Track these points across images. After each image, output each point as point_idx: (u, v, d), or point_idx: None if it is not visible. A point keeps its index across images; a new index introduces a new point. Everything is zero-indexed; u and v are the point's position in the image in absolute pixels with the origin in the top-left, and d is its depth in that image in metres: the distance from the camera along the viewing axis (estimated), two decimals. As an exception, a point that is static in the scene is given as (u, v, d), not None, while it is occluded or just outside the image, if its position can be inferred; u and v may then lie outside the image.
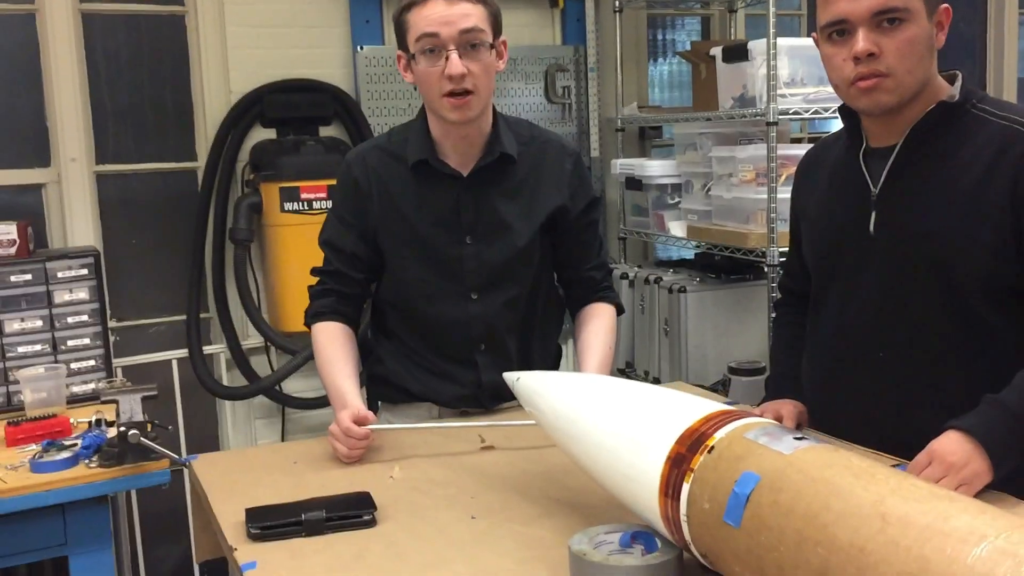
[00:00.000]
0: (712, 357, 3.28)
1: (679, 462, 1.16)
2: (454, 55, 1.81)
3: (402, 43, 1.89)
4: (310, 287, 2.08)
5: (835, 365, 1.76)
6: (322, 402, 3.42)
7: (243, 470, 1.77)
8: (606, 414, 1.32)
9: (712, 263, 3.38)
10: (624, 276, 3.52)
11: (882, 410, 1.68)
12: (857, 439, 1.70)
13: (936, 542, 0.86)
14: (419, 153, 1.94)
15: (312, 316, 2.04)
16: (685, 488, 1.13)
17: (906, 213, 1.63)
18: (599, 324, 2.06)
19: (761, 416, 1.78)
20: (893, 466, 1.55)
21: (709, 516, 1.09)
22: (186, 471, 1.91)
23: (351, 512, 1.49)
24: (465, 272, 1.97)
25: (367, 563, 1.36)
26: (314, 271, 2.07)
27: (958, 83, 1.63)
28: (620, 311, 2.13)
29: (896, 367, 1.65)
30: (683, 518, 1.13)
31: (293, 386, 3.41)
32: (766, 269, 2.94)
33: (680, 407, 1.25)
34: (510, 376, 1.64)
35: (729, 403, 2.04)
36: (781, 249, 2.89)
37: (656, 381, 3.45)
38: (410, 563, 1.36)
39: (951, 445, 1.45)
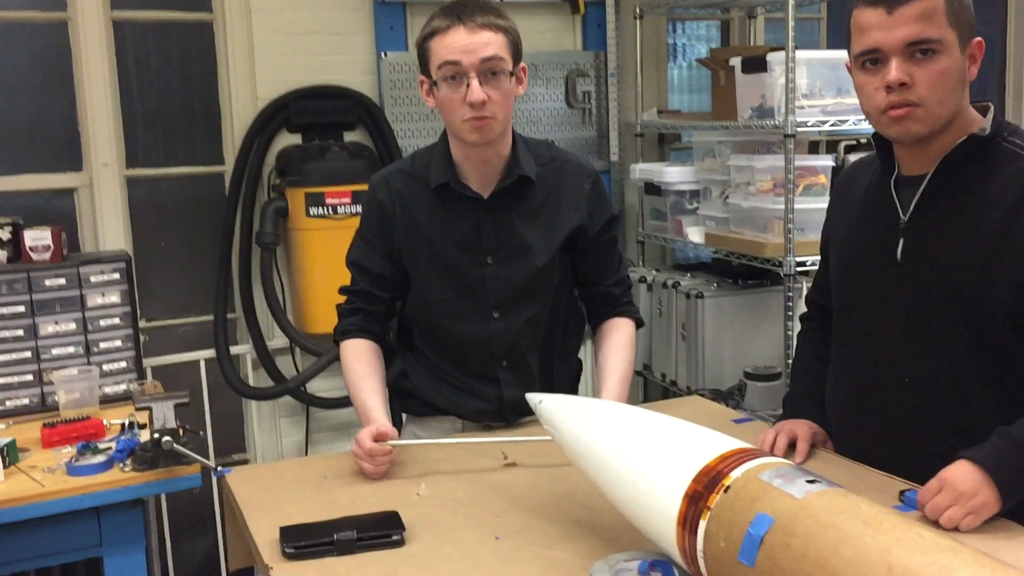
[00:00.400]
0: (728, 362, 3.33)
1: (696, 499, 1.22)
2: (475, 83, 1.86)
3: (424, 69, 1.95)
4: (338, 305, 2.14)
5: (860, 389, 1.79)
6: (345, 402, 3.49)
7: (275, 485, 1.83)
8: (626, 446, 1.38)
9: (729, 268, 3.42)
10: (642, 280, 3.57)
11: (906, 435, 1.71)
12: (880, 462, 1.74)
13: (938, 595, 0.92)
14: (441, 177, 2.00)
15: (340, 334, 2.11)
16: (702, 525, 1.19)
17: (934, 243, 1.66)
18: (618, 339, 2.12)
19: (777, 435, 1.86)
20: (904, 491, 1.62)
21: (725, 553, 1.15)
22: (214, 475, 1.98)
23: (381, 532, 1.56)
24: (487, 291, 2.03)
25: (397, 584, 1.43)
26: (342, 290, 2.14)
27: (989, 115, 1.65)
28: (639, 325, 2.19)
29: (921, 393, 1.68)
30: (700, 553, 1.20)
31: (317, 386, 3.49)
32: (783, 276, 2.98)
33: (697, 443, 1.31)
34: (533, 398, 1.70)
35: (745, 418, 2.10)
36: (798, 259, 2.93)
37: (673, 384, 3.50)
38: (439, 585, 1.42)
39: (962, 474, 1.50)
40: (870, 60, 1.62)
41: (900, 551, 0.99)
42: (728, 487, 1.19)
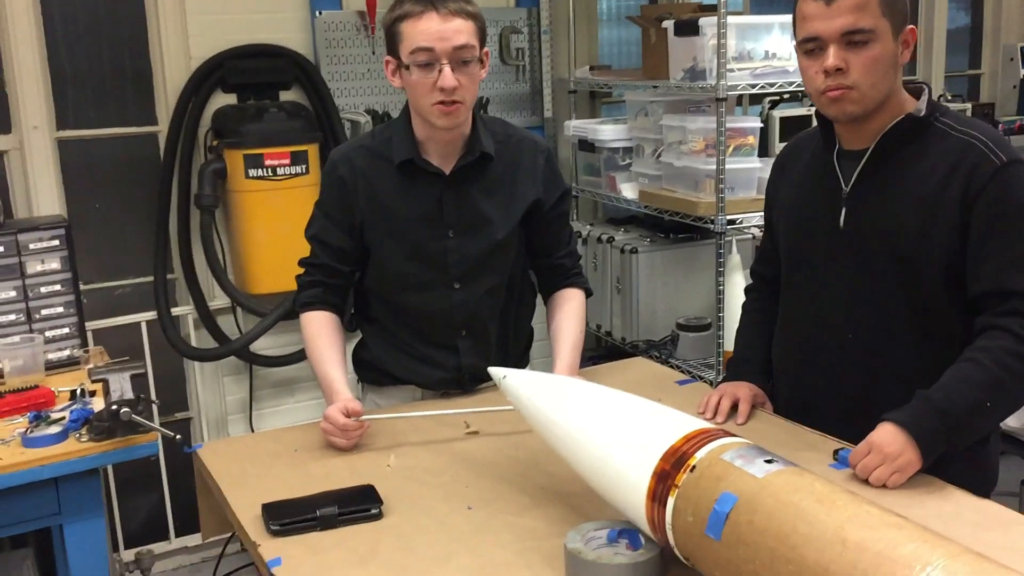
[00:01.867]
0: (661, 313, 3.47)
1: (664, 478, 1.33)
2: (447, 69, 1.92)
3: (392, 50, 1.99)
4: (298, 276, 2.19)
5: (806, 346, 1.95)
6: (288, 360, 3.56)
7: (248, 459, 1.90)
8: (595, 426, 1.49)
9: (661, 222, 3.53)
10: (577, 234, 3.65)
11: (849, 386, 1.88)
12: (826, 413, 1.91)
13: (887, 568, 1.05)
14: (404, 153, 2.06)
15: (301, 305, 2.16)
16: (670, 501, 1.31)
17: (872, 212, 1.82)
18: (570, 308, 2.23)
19: (721, 398, 2.00)
20: (837, 450, 1.77)
21: (692, 527, 1.28)
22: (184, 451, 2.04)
23: (360, 507, 1.65)
24: (448, 264, 2.11)
25: (382, 558, 1.52)
26: (301, 262, 2.19)
27: (924, 97, 1.81)
28: (588, 294, 2.30)
29: (862, 348, 1.85)
30: (668, 526, 1.32)
31: (260, 344, 3.52)
32: (714, 233, 3.11)
33: (662, 423, 1.43)
34: (496, 372, 1.79)
35: (687, 380, 2.20)
36: (729, 217, 3.06)
37: (608, 335, 3.64)
38: (421, 557, 1.52)
39: (887, 436, 1.66)
40: (812, 47, 1.77)
41: (852, 527, 1.12)
42: (694, 466, 1.31)
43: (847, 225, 1.84)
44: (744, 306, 2.21)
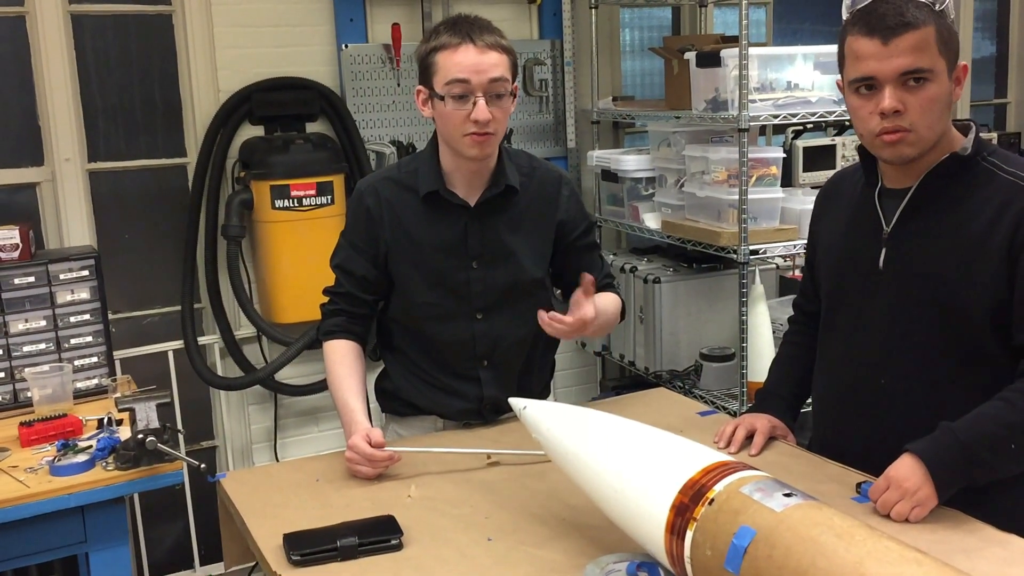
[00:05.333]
0: (685, 343, 3.46)
1: (683, 511, 1.33)
2: (481, 101, 1.94)
3: (425, 80, 2.01)
4: (322, 305, 2.21)
5: (841, 387, 1.91)
6: (312, 389, 3.58)
7: (270, 489, 1.92)
8: (614, 458, 1.49)
9: (684, 251, 3.54)
10: (600, 264, 3.67)
11: (884, 432, 1.81)
12: (860, 456, 1.84)
13: (906, 604, 1.05)
14: (430, 185, 2.08)
15: (324, 334, 2.18)
16: (689, 535, 1.31)
17: (913, 253, 1.76)
18: (605, 295, 2.18)
19: (736, 427, 1.99)
20: (860, 483, 1.76)
21: (711, 561, 1.27)
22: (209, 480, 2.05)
23: (380, 537, 1.65)
24: (471, 294, 2.12)
25: (401, 589, 1.53)
26: (326, 291, 2.21)
27: (971, 135, 1.75)
28: (623, 305, 2.26)
29: (898, 393, 1.80)
30: (687, 560, 1.32)
31: (285, 373, 3.55)
32: (738, 264, 3.10)
33: (681, 455, 1.43)
34: (517, 403, 1.79)
35: (709, 411, 2.18)
36: (752, 247, 3.06)
37: (631, 365, 3.64)
38: (441, 589, 1.53)
39: (905, 471, 1.64)
40: (865, 86, 1.70)
41: (871, 563, 1.12)
42: (712, 500, 1.31)
43: (887, 266, 1.79)
44: (784, 336, 2.18)
